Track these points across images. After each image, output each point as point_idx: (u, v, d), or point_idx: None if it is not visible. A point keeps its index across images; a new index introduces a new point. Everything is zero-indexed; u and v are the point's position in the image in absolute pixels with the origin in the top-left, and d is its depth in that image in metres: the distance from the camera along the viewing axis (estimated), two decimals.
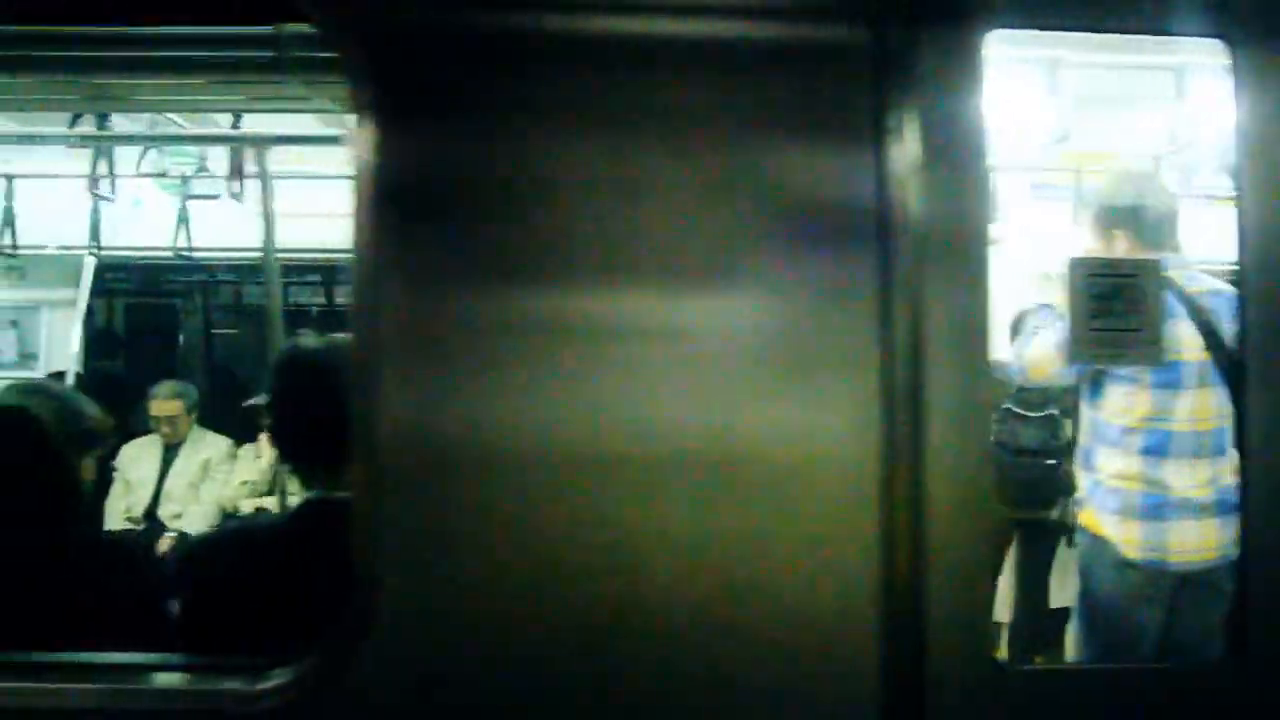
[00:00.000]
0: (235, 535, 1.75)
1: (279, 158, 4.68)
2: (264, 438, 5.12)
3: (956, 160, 1.43)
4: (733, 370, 1.39)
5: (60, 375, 5.12)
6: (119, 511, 4.83)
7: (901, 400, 1.40)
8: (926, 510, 1.40)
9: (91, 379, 5.22)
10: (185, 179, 4.65)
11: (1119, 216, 2.52)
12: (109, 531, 4.18)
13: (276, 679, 1.38)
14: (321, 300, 7.01)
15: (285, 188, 4.43)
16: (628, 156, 1.42)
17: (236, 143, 3.52)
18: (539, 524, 1.39)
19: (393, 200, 1.39)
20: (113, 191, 4.55)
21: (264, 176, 3.44)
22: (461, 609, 1.39)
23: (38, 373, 5.54)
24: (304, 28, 2.06)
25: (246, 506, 4.81)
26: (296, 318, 6.77)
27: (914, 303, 1.41)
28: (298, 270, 6.20)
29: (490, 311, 1.39)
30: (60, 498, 1.71)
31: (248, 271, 6.38)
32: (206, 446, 4.97)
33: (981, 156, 1.46)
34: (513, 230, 1.40)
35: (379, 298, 1.38)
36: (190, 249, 4.75)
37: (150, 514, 4.79)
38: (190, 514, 4.77)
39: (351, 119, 1.44)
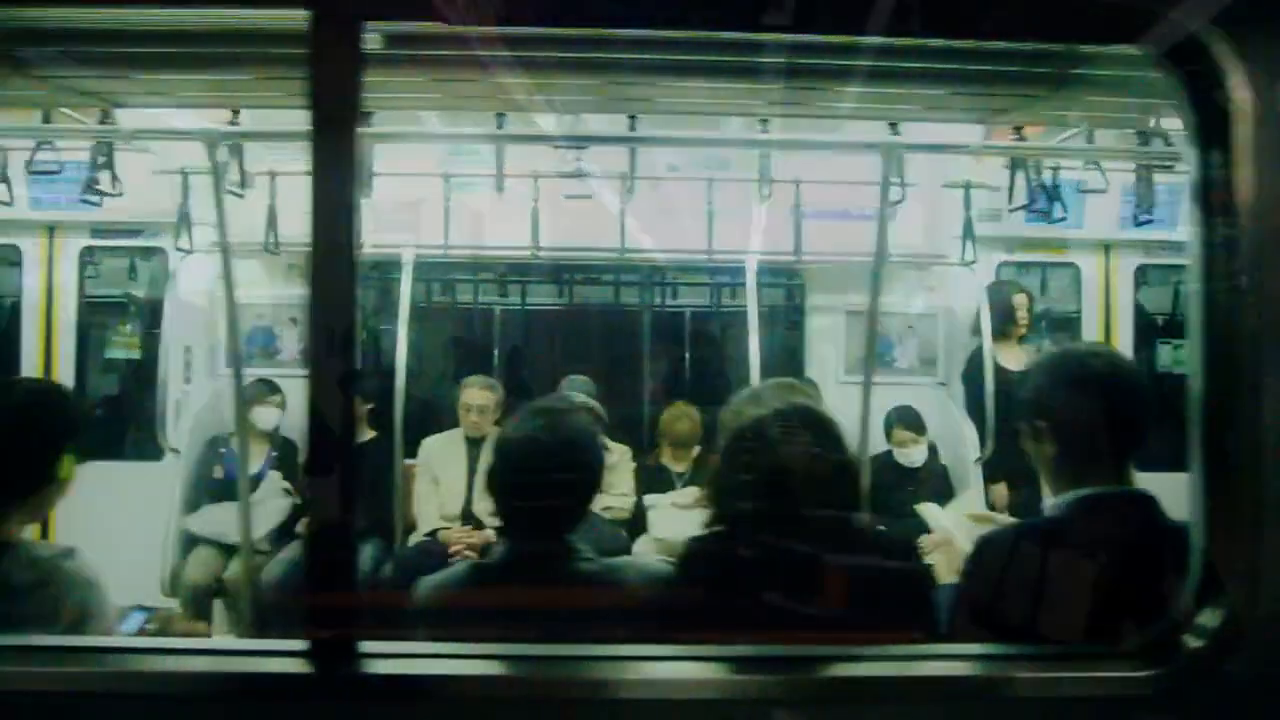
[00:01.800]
0: (1026, 530, 1.91)
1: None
2: None
3: None
4: None
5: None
6: (429, 511, 4.82)
7: None
8: None
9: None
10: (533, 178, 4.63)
11: None
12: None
13: (1162, 667, 1.53)
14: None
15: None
16: None
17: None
18: None
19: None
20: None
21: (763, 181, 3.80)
22: None
23: None
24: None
25: None
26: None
27: None
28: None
29: None
30: (854, 490, 1.90)
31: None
32: None
33: None
34: None
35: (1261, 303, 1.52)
36: (539, 249, 4.77)
37: (467, 513, 4.78)
38: None
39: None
